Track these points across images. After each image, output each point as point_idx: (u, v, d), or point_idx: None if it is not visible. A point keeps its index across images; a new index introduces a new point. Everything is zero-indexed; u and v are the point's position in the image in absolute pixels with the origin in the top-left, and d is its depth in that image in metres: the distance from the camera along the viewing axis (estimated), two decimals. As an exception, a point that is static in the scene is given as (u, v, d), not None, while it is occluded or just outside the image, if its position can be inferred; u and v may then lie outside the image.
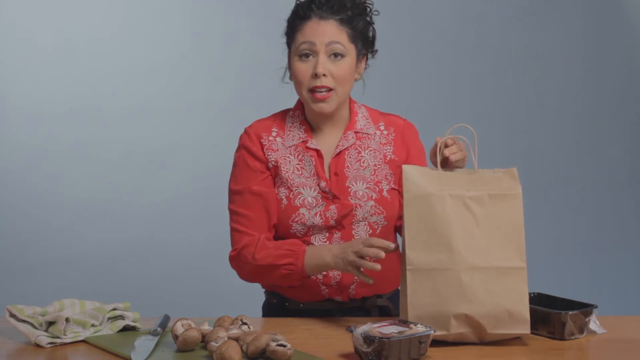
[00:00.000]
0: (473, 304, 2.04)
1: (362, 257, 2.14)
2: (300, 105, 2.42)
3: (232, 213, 2.38)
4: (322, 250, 2.24)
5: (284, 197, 2.34)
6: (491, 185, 2.09)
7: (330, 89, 2.29)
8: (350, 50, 2.32)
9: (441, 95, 4.85)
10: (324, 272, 2.33)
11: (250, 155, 2.37)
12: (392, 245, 2.11)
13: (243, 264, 2.34)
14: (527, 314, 2.06)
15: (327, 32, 2.29)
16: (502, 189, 2.09)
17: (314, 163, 2.35)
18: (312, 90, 2.30)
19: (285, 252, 2.27)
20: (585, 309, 2.14)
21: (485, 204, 2.07)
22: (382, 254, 2.11)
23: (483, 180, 2.09)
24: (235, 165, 2.41)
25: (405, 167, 2.09)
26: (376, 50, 2.42)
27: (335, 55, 2.30)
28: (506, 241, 2.08)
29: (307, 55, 2.30)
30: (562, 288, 3.08)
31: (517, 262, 2.08)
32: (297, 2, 2.37)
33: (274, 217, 2.35)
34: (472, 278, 2.04)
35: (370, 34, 2.39)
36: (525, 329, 2.06)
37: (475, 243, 2.05)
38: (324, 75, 2.28)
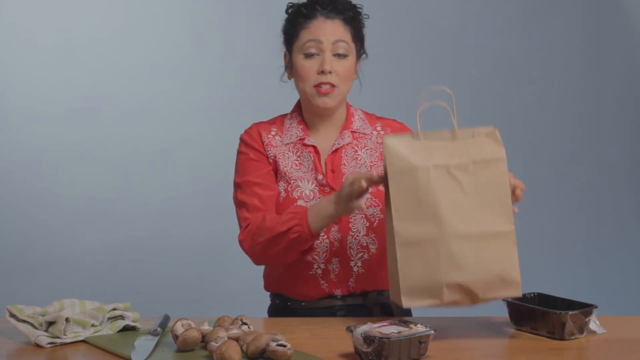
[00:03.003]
0: (464, 272, 2.05)
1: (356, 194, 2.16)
2: (297, 107, 2.47)
3: (238, 203, 2.41)
4: (321, 204, 2.26)
5: (282, 190, 2.39)
6: (474, 151, 2.09)
7: (333, 85, 2.34)
8: (353, 49, 2.38)
9: (441, 95, 4.84)
10: (323, 267, 2.36)
11: (251, 149, 2.42)
12: (373, 173, 2.13)
13: (253, 242, 2.33)
14: (517, 277, 2.08)
15: (333, 30, 2.35)
16: (485, 154, 2.08)
17: (312, 158, 2.40)
18: (317, 85, 2.34)
19: (289, 216, 2.28)
20: (585, 309, 2.14)
21: (470, 171, 2.07)
22: (372, 176, 2.12)
23: (466, 147, 2.09)
24: (237, 161, 2.45)
25: (386, 138, 2.09)
26: (366, 54, 2.46)
27: (339, 54, 2.34)
28: (493, 205, 2.07)
29: (312, 54, 2.34)
30: (562, 288, 3.08)
31: (506, 226, 2.08)
32: (290, 2, 2.41)
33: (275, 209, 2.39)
34: (461, 246, 2.05)
35: (363, 37, 2.44)
36: (516, 292, 2.08)
37: (462, 211, 2.06)
38: (330, 72, 2.32)
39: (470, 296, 2.07)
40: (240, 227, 2.38)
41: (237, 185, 2.42)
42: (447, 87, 2.15)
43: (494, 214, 2.07)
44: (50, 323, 2.08)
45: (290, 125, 2.44)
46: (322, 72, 2.33)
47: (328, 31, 2.34)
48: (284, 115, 2.48)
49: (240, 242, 2.36)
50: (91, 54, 4.58)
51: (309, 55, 2.35)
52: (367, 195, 2.34)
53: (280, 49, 2.45)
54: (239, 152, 2.45)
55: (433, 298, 2.06)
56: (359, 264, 2.37)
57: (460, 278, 2.04)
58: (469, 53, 4.87)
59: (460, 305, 2.08)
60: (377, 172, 2.14)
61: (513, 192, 2.16)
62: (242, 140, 2.45)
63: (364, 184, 2.12)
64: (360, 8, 2.42)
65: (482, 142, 2.10)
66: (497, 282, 2.06)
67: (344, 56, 2.35)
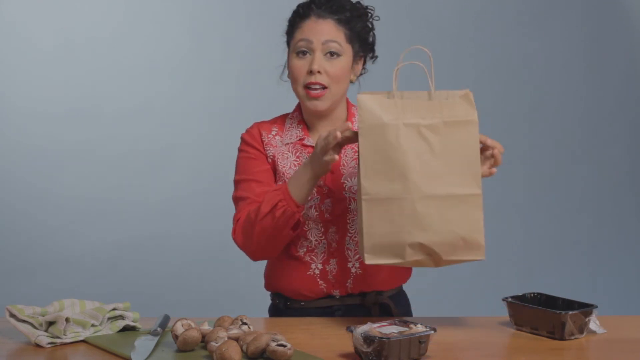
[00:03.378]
0: (428, 232, 2.05)
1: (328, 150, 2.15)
2: (298, 107, 2.47)
3: (235, 200, 2.41)
4: (297, 171, 2.26)
5: None
6: (447, 111, 2.09)
7: (324, 87, 2.33)
8: (347, 50, 2.36)
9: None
10: (321, 267, 2.36)
11: (251, 147, 2.43)
12: (349, 125, 2.12)
13: (245, 235, 2.32)
14: (481, 240, 2.08)
15: (324, 30, 2.34)
16: (457, 116, 2.08)
17: None
18: (307, 87, 2.34)
19: (270, 195, 2.27)
20: (585, 309, 2.14)
21: (441, 131, 2.07)
22: (348, 128, 2.12)
23: (439, 106, 2.09)
24: (237, 159, 2.45)
25: (360, 96, 2.09)
26: (376, 57, 2.46)
27: (332, 54, 2.34)
28: (462, 168, 2.07)
29: (303, 53, 2.34)
30: (562, 288, 3.09)
31: (473, 189, 2.08)
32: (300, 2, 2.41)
33: None
34: (427, 207, 2.05)
35: (370, 39, 2.43)
36: (479, 255, 2.09)
37: (430, 171, 2.06)
38: (319, 72, 2.32)
39: (433, 257, 2.08)
40: (233, 223, 2.38)
41: (236, 183, 2.43)
42: (426, 47, 2.15)
43: (462, 176, 2.07)
44: (50, 323, 2.08)
45: (291, 125, 2.44)
46: (311, 72, 2.32)
47: (319, 31, 2.33)
48: (286, 115, 2.48)
49: (234, 239, 2.36)
50: (91, 54, 4.58)
51: (299, 55, 2.35)
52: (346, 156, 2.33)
53: (284, 49, 2.45)
54: (239, 150, 2.46)
55: (396, 257, 2.07)
56: (357, 264, 2.37)
57: (424, 239, 2.05)
58: (468, 53, 4.88)
59: (424, 265, 2.10)
60: (352, 125, 2.15)
61: (491, 155, 2.17)
62: (243, 139, 2.46)
63: (338, 134, 2.12)
64: (370, 9, 2.41)
65: (455, 103, 2.10)
66: (461, 245, 2.07)
67: (336, 56, 2.34)
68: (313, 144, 2.40)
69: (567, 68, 4.96)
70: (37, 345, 2.04)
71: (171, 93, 4.65)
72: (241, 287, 4.20)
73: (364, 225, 2.07)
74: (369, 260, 2.09)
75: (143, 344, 1.99)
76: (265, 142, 2.42)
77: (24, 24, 4.53)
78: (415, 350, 1.92)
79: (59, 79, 4.56)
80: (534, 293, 2.26)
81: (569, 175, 4.99)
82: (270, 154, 2.42)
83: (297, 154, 2.41)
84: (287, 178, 2.38)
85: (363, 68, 2.44)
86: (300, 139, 2.42)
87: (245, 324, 2.04)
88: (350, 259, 2.37)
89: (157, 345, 2.01)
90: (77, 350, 2.02)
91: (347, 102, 2.46)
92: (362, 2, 2.42)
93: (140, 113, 4.61)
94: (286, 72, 2.43)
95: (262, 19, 4.53)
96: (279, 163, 2.40)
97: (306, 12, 2.36)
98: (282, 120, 2.47)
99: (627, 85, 5.03)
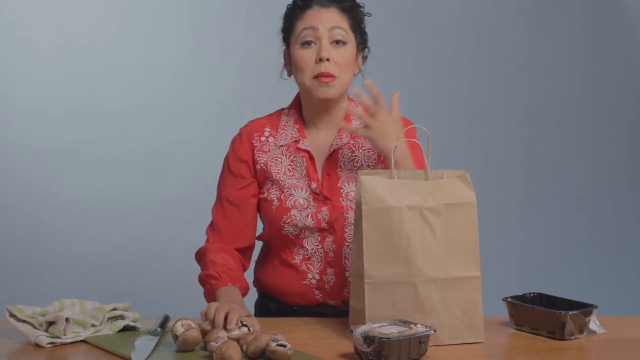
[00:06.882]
0: (429, 315, 2.05)
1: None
2: (296, 103, 2.41)
3: (211, 213, 2.44)
4: (225, 293, 2.23)
5: (275, 198, 2.33)
6: (446, 193, 2.08)
7: (333, 76, 2.27)
8: (351, 38, 2.31)
9: (441, 95, 4.84)
10: (317, 277, 2.34)
11: (236, 159, 2.38)
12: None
13: (197, 261, 2.42)
14: (481, 323, 2.08)
15: (329, 18, 2.28)
16: (457, 198, 2.08)
17: (305, 164, 2.33)
18: (316, 76, 2.27)
19: (206, 273, 2.31)
20: (585, 309, 2.14)
21: (442, 214, 2.06)
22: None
23: (437, 187, 2.08)
24: (223, 167, 2.43)
25: (361, 177, 2.05)
26: (368, 49, 2.41)
27: (338, 42, 2.28)
28: (462, 250, 2.07)
29: (309, 43, 2.28)
30: (562, 288, 3.08)
31: (473, 271, 2.08)
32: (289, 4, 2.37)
33: (250, 227, 2.38)
34: (428, 290, 2.05)
35: (364, 28, 2.38)
36: (479, 338, 2.08)
37: (432, 255, 2.05)
38: (328, 60, 2.26)
39: (434, 338, 2.03)
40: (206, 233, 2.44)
41: (216, 195, 2.44)
42: (424, 127, 2.13)
43: (461, 258, 2.07)
44: (50, 323, 2.08)
45: (287, 123, 2.37)
46: (320, 60, 2.25)
47: (324, 18, 2.27)
48: (282, 110, 2.41)
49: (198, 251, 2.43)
50: (91, 53, 4.58)
51: (305, 44, 2.28)
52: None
53: (281, 49, 2.41)
54: (225, 158, 2.41)
55: None
56: None
57: (424, 321, 2.04)
58: (468, 53, 4.87)
59: None
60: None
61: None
62: (231, 145, 2.40)
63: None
64: (361, 6, 2.36)
65: (453, 184, 2.10)
66: (461, 329, 2.07)
67: (342, 43, 2.27)
68: (308, 148, 2.34)
69: (567, 68, 4.96)
70: (37, 345, 2.03)
71: (171, 93, 4.65)
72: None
73: (366, 307, 2.05)
74: None
75: (143, 344, 1.99)
76: (256, 148, 2.36)
77: (24, 24, 4.53)
78: (415, 350, 1.92)
79: (59, 79, 4.56)
80: (534, 293, 2.26)
81: (569, 176, 4.99)
82: (262, 161, 2.35)
83: (291, 158, 2.34)
84: (282, 185, 2.32)
85: (362, 60, 2.39)
86: (295, 141, 2.35)
87: (245, 325, 2.04)
88: (348, 269, 2.31)
89: (157, 345, 2.01)
90: (77, 350, 2.02)
91: (349, 99, 2.39)
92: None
93: (140, 113, 4.61)
94: (285, 71, 2.39)
95: (262, 18, 4.51)
96: (272, 170, 2.34)
97: (307, 2, 2.30)
98: (277, 116, 2.40)
99: (627, 85, 5.02)
